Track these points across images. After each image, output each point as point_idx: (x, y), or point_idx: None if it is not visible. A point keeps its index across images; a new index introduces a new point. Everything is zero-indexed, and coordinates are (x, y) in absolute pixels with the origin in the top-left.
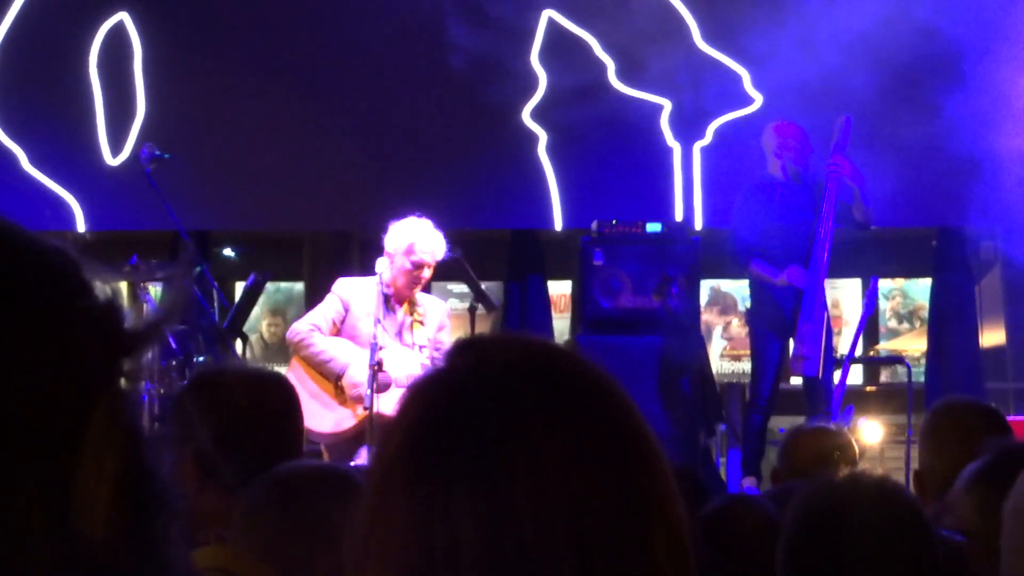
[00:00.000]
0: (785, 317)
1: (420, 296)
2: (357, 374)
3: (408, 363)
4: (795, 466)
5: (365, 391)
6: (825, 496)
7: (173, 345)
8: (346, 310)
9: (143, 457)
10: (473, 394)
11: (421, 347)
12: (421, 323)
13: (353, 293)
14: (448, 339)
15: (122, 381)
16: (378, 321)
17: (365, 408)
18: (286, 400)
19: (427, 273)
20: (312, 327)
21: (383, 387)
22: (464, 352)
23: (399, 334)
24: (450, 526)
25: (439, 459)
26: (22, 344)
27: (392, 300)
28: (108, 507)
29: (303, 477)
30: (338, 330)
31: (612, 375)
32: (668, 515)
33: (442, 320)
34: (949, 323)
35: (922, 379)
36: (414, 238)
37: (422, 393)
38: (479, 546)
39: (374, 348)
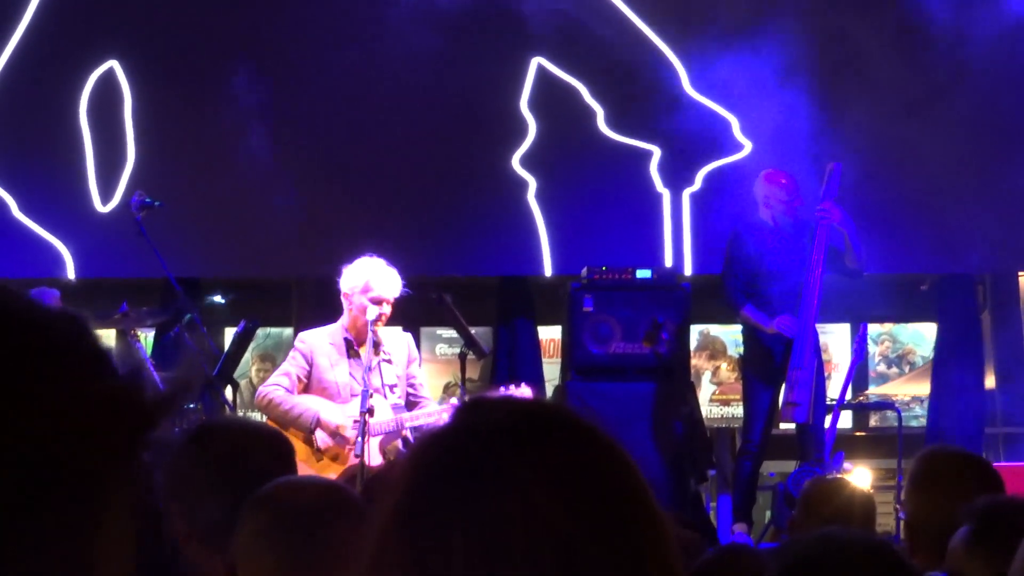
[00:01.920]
0: (776, 363)
1: (382, 333)
2: (332, 416)
3: (380, 408)
4: (813, 517)
5: (349, 433)
6: (809, 551)
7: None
8: (311, 364)
9: (160, 530)
10: (469, 451)
11: (391, 386)
12: (388, 361)
13: (316, 346)
14: (419, 372)
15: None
16: (369, 368)
17: (356, 455)
18: (282, 454)
19: (386, 309)
20: (278, 387)
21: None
22: (464, 412)
23: (364, 379)
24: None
25: (436, 511)
26: (41, 426)
27: (354, 344)
28: None
29: (304, 497)
30: (304, 385)
31: (607, 430)
32: (664, 566)
33: (410, 353)
34: (952, 367)
35: (912, 423)
36: (369, 276)
37: (422, 449)
38: None
39: (365, 394)
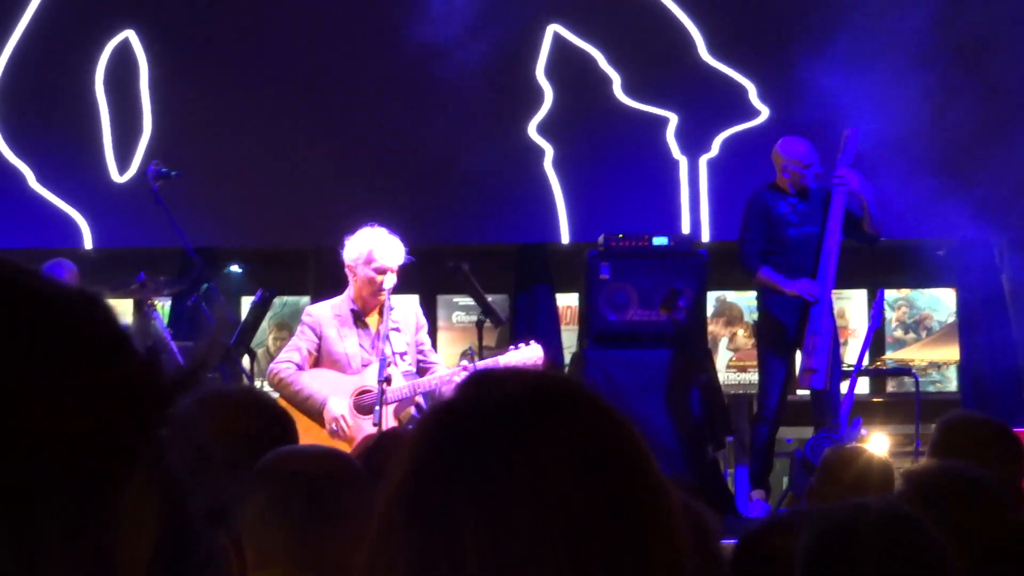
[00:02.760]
0: (792, 330)
1: (388, 300)
2: (335, 407)
3: (395, 377)
4: (833, 484)
5: (348, 422)
6: (836, 520)
7: (181, 361)
8: (319, 337)
9: (182, 508)
10: (474, 425)
11: (402, 354)
12: (397, 329)
13: (323, 318)
14: (427, 338)
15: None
16: (386, 336)
17: (375, 424)
18: (283, 426)
19: (391, 278)
20: (290, 363)
21: (367, 409)
22: (470, 385)
23: (373, 347)
24: (454, 552)
25: (441, 486)
26: (56, 409)
27: (361, 314)
28: (151, 568)
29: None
30: (316, 358)
31: (612, 401)
32: (667, 540)
33: (417, 320)
34: (979, 331)
35: (929, 389)
36: (372, 245)
37: (428, 424)
38: (482, 570)
39: (383, 363)
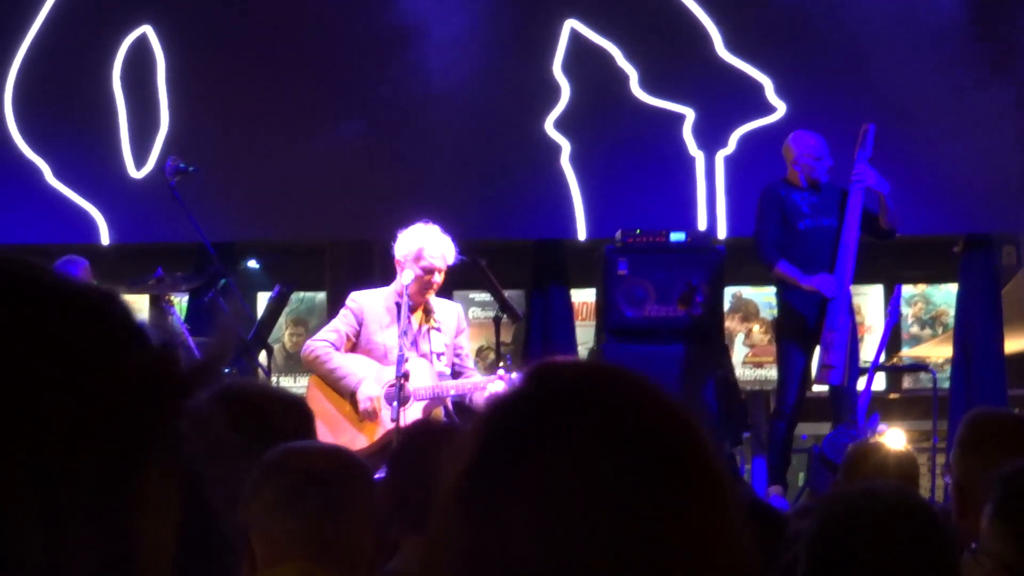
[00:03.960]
0: (810, 325)
1: (434, 301)
2: (370, 389)
3: (424, 374)
4: (858, 479)
5: (380, 405)
6: (843, 505)
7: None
8: (360, 324)
9: (203, 498)
10: (531, 415)
11: (439, 354)
12: (437, 329)
13: (367, 306)
14: (467, 343)
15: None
16: (404, 333)
17: (392, 420)
18: (302, 419)
19: (438, 278)
20: (326, 343)
21: (403, 400)
22: (531, 376)
23: (415, 343)
24: (507, 543)
25: (498, 477)
26: (74, 403)
27: (407, 308)
28: (173, 555)
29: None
30: (353, 344)
31: (678, 399)
32: (730, 543)
33: (459, 324)
34: (975, 330)
35: (946, 386)
36: (423, 243)
37: (489, 415)
38: (534, 562)
39: (401, 360)
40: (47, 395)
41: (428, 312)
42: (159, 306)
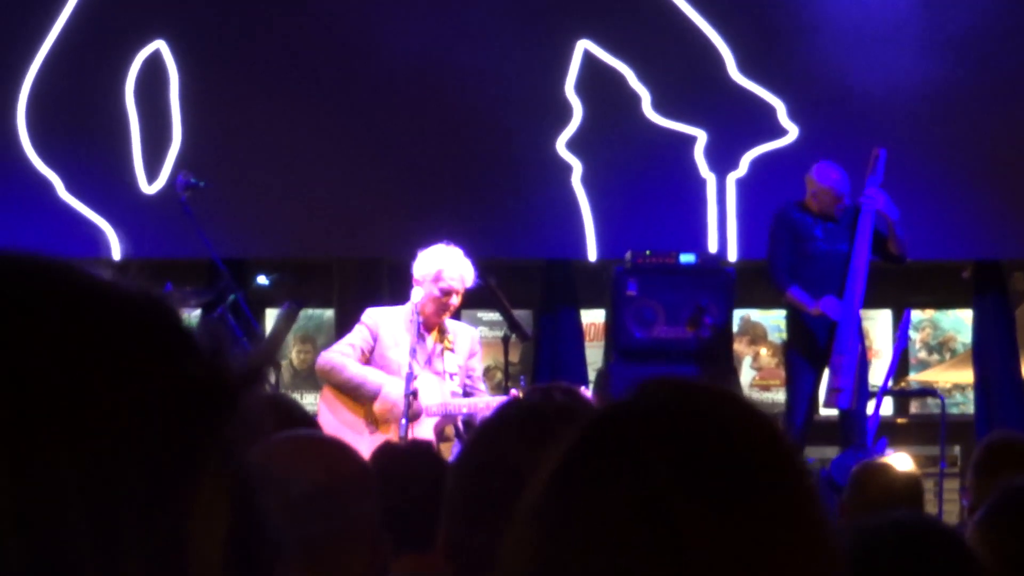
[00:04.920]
0: (820, 348)
1: (449, 323)
2: (392, 393)
3: (437, 391)
4: (863, 500)
5: (399, 415)
6: (869, 531)
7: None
8: (375, 340)
9: (252, 503)
10: (619, 429)
11: (452, 375)
12: (451, 350)
13: (382, 323)
14: (479, 366)
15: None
16: (413, 351)
17: (401, 437)
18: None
19: (455, 300)
20: (341, 354)
21: (414, 416)
22: (635, 390)
23: (429, 362)
24: (578, 554)
25: (574, 488)
26: (126, 413)
27: (421, 328)
28: (223, 565)
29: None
30: (367, 360)
31: (780, 431)
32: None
33: (472, 346)
34: (992, 357)
35: (953, 411)
36: (442, 265)
37: (582, 425)
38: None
39: (410, 377)
40: (99, 402)
41: (443, 332)
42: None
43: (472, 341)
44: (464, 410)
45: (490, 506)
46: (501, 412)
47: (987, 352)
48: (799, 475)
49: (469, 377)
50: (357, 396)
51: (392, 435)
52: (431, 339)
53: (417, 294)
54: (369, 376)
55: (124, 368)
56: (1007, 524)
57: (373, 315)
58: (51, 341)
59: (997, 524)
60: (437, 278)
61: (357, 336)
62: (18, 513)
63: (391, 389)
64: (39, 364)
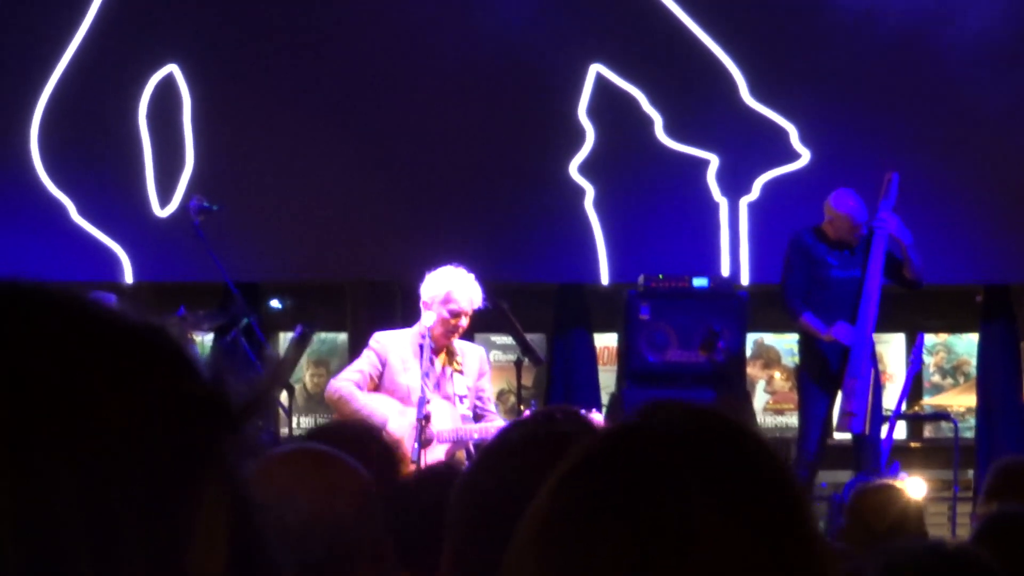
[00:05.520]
0: (833, 373)
1: (457, 344)
2: (396, 430)
3: (447, 416)
4: (862, 524)
5: (408, 445)
6: (907, 557)
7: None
8: (383, 364)
9: (252, 525)
10: (624, 451)
11: (461, 397)
12: (460, 372)
13: (391, 347)
14: (489, 386)
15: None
16: (426, 374)
17: (413, 461)
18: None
19: (464, 322)
20: (350, 383)
21: (426, 442)
22: (639, 411)
23: (438, 386)
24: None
25: (580, 510)
26: (128, 434)
27: (429, 351)
28: None
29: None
30: (376, 385)
31: (784, 463)
32: None
33: (481, 367)
34: (996, 381)
35: (967, 435)
36: (451, 287)
37: (584, 445)
38: None
39: (422, 401)
40: (101, 426)
41: (451, 354)
42: (217, 344)
43: (481, 361)
44: (475, 436)
45: (492, 530)
46: (502, 435)
47: (992, 377)
48: (800, 496)
49: (479, 399)
50: None
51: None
52: (439, 361)
53: (428, 317)
54: (377, 409)
55: (125, 387)
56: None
57: (381, 340)
58: (53, 360)
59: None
60: (446, 300)
61: (366, 362)
62: (19, 531)
63: (396, 425)
64: (42, 381)
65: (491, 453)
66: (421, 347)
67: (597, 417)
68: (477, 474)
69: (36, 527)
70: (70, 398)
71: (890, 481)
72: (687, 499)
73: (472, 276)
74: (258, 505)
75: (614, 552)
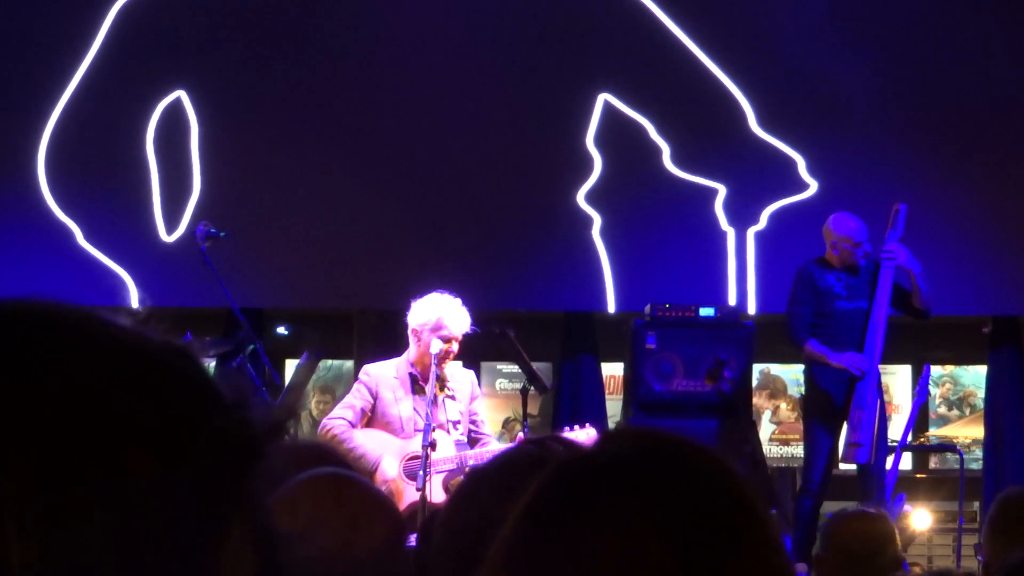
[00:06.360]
0: (838, 403)
1: (447, 369)
2: (388, 469)
3: (442, 443)
4: (838, 551)
5: (399, 486)
6: None
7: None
8: (375, 397)
9: (276, 559)
10: (582, 478)
11: (455, 423)
12: (452, 398)
13: (381, 380)
14: (482, 409)
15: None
16: (432, 402)
17: (418, 489)
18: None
19: (455, 347)
20: (343, 421)
21: (415, 475)
22: (600, 439)
23: (427, 413)
24: None
25: (540, 538)
26: (157, 468)
27: (419, 379)
28: None
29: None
30: (369, 419)
31: (735, 473)
32: None
33: (473, 390)
34: (1004, 412)
35: (973, 466)
36: (441, 313)
37: (547, 474)
38: None
39: (428, 428)
40: (133, 466)
41: (442, 381)
42: (238, 368)
43: (472, 384)
44: (471, 461)
45: (471, 562)
46: (482, 468)
47: (999, 408)
48: (764, 523)
49: (473, 423)
50: (357, 468)
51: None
52: (430, 388)
53: (436, 345)
54: (369, 449)
55: (156, 425)
56: None
57: (371, 372)
58: (79, 394)
59: None
60: (437, 326)
61: (356, 396)
62: (42, 559)
63: (386, 465)
64: (68, 417)
65: (470, 484)
66: (411, 376)
67: (591, 433)
68: (456, 506)
69: (66, 569)
70: (101, 438)
71: (866, 509)
72: (627, 526)
73: (459, 301)
74: (281, 537)
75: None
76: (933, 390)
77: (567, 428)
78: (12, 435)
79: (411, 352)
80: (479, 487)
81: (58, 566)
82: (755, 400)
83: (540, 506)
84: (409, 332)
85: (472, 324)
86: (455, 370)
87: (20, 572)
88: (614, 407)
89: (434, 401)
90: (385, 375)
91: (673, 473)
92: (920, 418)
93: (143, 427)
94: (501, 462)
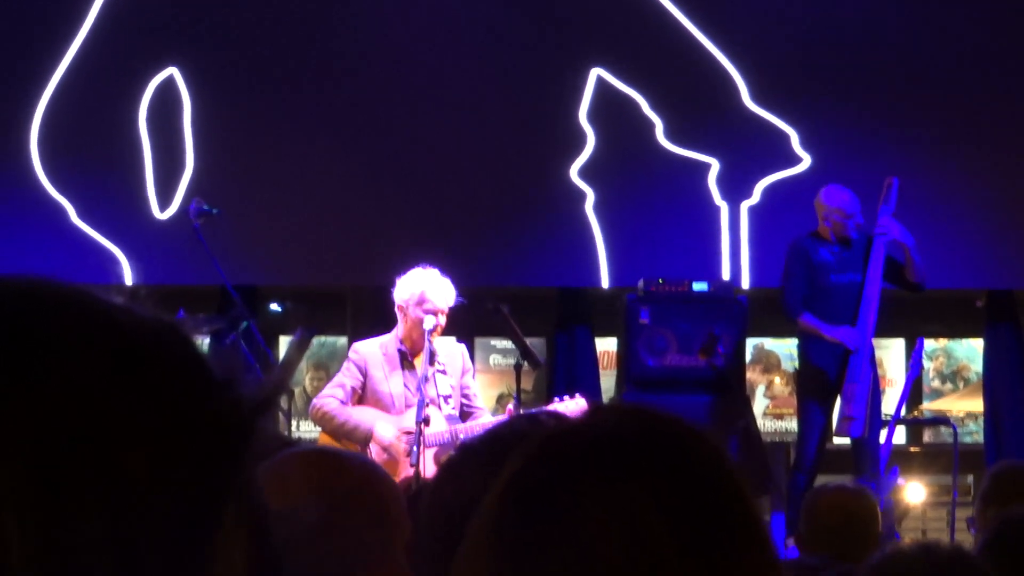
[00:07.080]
0: (831, 377)
1: (436, 343)
2: (384, 433)
3: (434, 419)
4: (819, 528)
5: (402, 446)
6: (899, 568)
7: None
8: (364, 375)
9: (269, 538)
10: (570, 454)
11: (446, 397)
12: (443, 372)
13: (370, 357)
14: (474, 382)
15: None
16: (424, 378)
17: (412, 465)
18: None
19: (442, 320)
20: (334, 399)
21: (408, 451)
22: (585, 414)
23: (420, 389)
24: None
25: (527, 514)
26: (156, 448)
27: (408, 355)
28: None
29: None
30: (359, 397)
31: (723, 453)
32: None
33: (464, 363)
34: (1003, 384)
35: (966, 440)
36: (424, 287)
37: (528, 447)
38: None
39: (421, 404)
40: (129, 458)
41: (432, 355)
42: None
43: (463, 357)
44: (462, 435)
45: (458, 539)
46: (471, 442)
47: (998, 381)
48: (754, 506)
49: (465, 396)
50: (352, 439)
51: (398, 472)
52: (419, 364)
53: (429, 321)
54: (362, 421)
55: (151, 416)
56: (1009, 554)
57: (360, 349)
58: (78, 391)
59: (998, 554)
60: (421, 300)
61: (346, 375)
62: (43, 556)
63: (382, 431)
64: (67, 414)
65: (453, 463)
66: (400, 352)
67: (581, 403)
68: (440, 484)
69: (62, 564)
70: (99, 436)
71: (845, 484)
72: (624, 510)
73: (439, 273)
74: (273, 515)
75: (555, 556)
76: (927, 364)
77: (557, 399)
78: (11, 434)
79: (399, 328)
80: (468, 462)
81: (58, 563)
82: (749, 375)
83: (526, 482)
84: (395, 308)
85: (458, 296)
86: (446, 344)
87: (20, 572)
88: (607, 383)
89: (426, 377)
90: (374, 352)
91: (672, 456)
92: (914, 392)
93: (141, 422)
94: (491, 437)
